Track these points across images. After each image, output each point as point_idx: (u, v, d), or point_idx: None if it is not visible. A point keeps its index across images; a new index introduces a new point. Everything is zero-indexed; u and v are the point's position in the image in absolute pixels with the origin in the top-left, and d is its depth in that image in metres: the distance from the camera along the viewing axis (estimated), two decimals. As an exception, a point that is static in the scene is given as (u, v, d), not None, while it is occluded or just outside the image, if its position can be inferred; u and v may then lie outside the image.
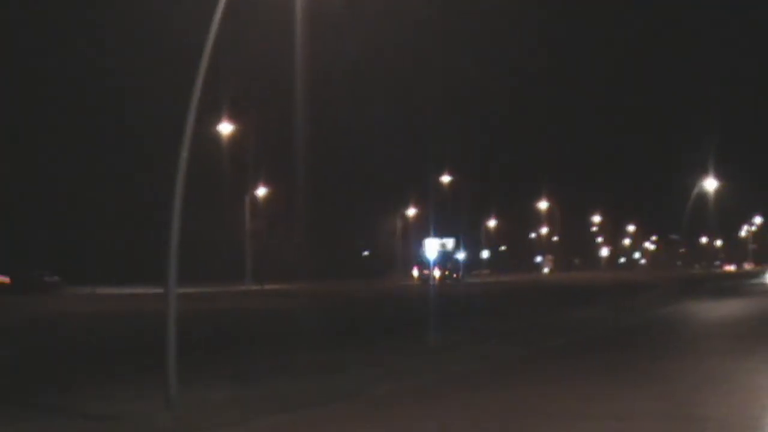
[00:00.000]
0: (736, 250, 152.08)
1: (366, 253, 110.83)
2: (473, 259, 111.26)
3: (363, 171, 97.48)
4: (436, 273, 79.17)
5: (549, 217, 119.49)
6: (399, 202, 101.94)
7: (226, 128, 59.79)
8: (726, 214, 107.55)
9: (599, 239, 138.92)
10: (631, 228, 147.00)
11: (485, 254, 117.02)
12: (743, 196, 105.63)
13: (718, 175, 58.91)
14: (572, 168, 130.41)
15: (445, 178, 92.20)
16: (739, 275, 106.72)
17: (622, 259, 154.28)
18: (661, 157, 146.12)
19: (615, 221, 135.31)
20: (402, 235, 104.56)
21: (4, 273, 53.94)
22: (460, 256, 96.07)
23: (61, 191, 69.76)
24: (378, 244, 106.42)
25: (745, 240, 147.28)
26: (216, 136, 59.39)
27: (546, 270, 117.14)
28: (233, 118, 60.46)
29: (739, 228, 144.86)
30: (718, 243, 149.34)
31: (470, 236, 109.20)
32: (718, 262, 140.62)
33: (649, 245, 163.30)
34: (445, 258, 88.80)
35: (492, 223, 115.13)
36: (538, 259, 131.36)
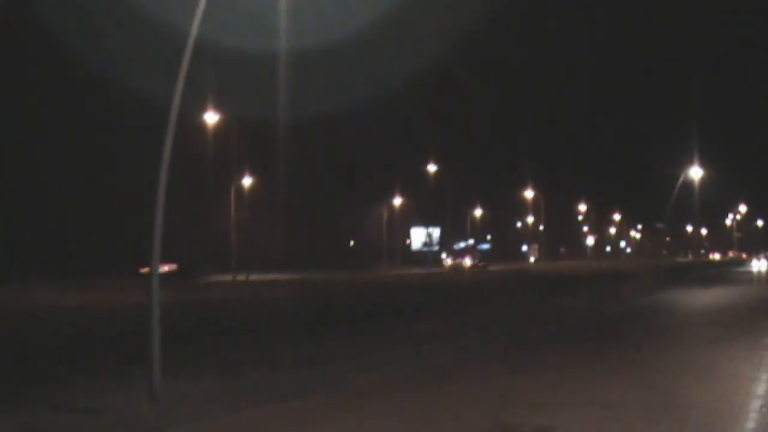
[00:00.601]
0: (721, 238, 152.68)
1: (351, 243, 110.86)
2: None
3: (349, 160, 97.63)
4: (467, 261, 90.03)
5: (535, 207, 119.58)
6: (385, 192, 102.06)
7: (211, 118, 59.48)
8: (711, 203, 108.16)
9: (585, 228, 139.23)
10: (616, 217, 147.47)
11: (466, 242, 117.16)
12: (728, 185, 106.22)
13: (703, 164, 59.23)
14: (558, 157, 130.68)
15: (431, 167, 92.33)
16: (725, 263, 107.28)
17: (608, 248, 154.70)
18: (647, 147, 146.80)
19: (601, 210, 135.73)
20: (388, 225, 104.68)
21: (172, 261, 60.64)
22: (485, 246, 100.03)
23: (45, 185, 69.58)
24: (364, 234, 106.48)
25: (729, 229, 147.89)
26: (201, 126, 59.13)
27: (532, 259, 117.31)
28: (218, 108, 60.18)
29: (724, 217, 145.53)
30: (704, 231, 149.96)
31: (456, 225, 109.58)
32: (703, 251, 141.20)
33: (634, 234, 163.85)
34: (474, 249, 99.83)
35: (478, 212, 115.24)
36: (524, 248, 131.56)
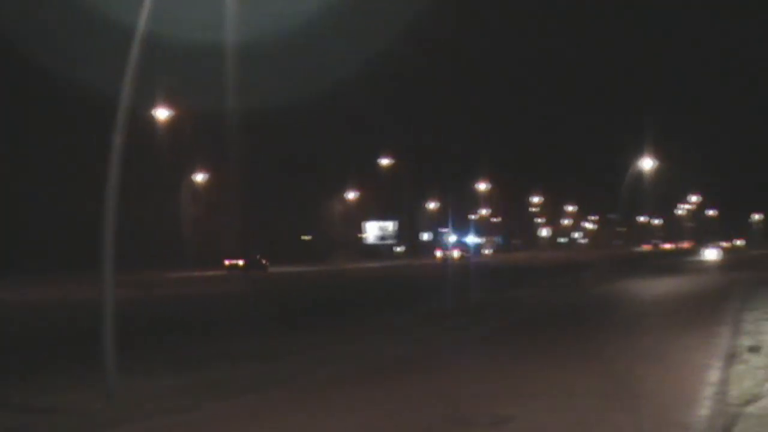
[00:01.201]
0: (673, 229, 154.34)
1: (306, 237, 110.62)
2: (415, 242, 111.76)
3: (302, 153, 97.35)
4: (455, 253, 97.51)
5: (489, 199, 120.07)
6: (339, 185, 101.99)
7: (162, 114, 58.86)
8: (664, 194, 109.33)
9: (539, 220, 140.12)
10: (570, 208, 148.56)
11: (426, 236, 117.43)
12: (680, 176, 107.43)
13: (656, 155, 59.78)
14: (512, 149, 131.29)
15: (385, 161, 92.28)
16: (677, 253, 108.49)
17: (563, 239, 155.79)
18: (600, 137, 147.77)
19: (555, 201, 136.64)
20: (343, 218, 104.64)
21: (239, 258, 72.79)
22: (470, 240, 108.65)
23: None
24: (319, 227, 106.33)
25: (681, 219, 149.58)
26: (152, 122, 58.55)
27: (486, 251, 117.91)
28: (170, 103, 59.58)
29: (676, 207, 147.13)
30: (656, 222, 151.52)
31: (411, 218, 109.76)
32: (655, 241, 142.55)
33: (588, 225, 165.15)
34: (461, 242, 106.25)
35: (432, 205, 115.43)
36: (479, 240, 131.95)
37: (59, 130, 69.26)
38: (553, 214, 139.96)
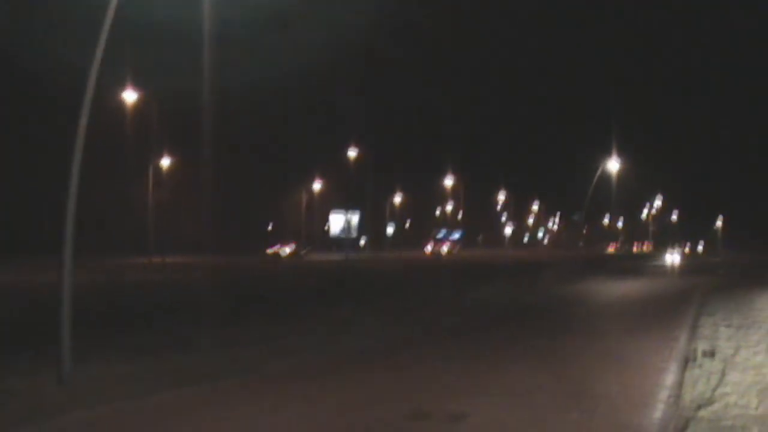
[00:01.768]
0: (636, 231, 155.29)
1: (270, 227, 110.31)
2: (379, 235, 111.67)
3: (271, 143, 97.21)
4: (445, 248, 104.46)
5: (454, 194, 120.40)
6: (305, 175, 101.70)
7: (130, 96, 58.27)
8: (628, 196, 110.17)
9: (504, 217, 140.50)
10: (535, 207, 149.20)
11: (390, 230, 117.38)
12: (645, 178, 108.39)
13: (621, 157, 60.15)
14: (479, 145, 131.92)
15: (352, 152, 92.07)
16: (639, 256, 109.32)
17: (526, 238, 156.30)
18: (567, 137, 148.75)
19: (520, 199, 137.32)
20: (307, 209, 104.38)
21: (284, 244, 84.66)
22: (457, 235, 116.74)
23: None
24: (284, 217, 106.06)
25: (645, 221, 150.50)
26: (119, 105, 58.01)
27: (445, 248, 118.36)
28: (138, 86, 59.01)
29: (640, 209, 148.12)
30: (620, 224, 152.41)
31: (376, 210, 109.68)
32: (615, 243, 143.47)
33: (552, 224, 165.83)
34: (449, 237, 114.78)
35: (397, 198, 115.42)
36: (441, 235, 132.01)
37: (27, 114, 68.82)
38: (517, 212, 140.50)
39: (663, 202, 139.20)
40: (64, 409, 11.21)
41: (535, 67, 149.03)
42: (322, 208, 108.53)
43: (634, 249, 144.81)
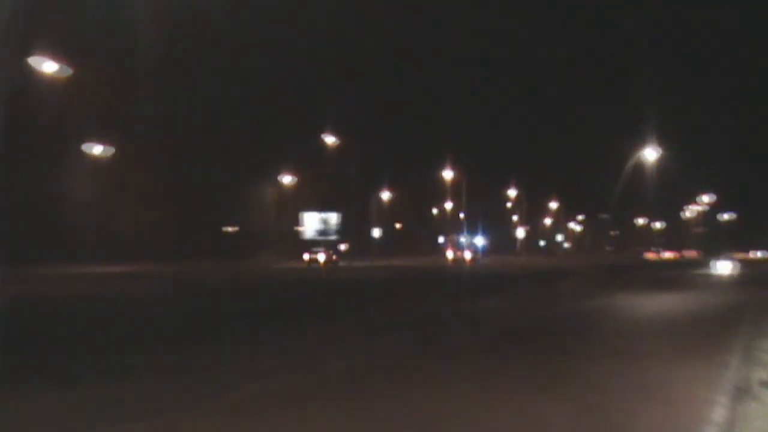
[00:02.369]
0: (677, 234, 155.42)
1: (230, 229, 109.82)
2: (362, 241, 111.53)
3: (231, 129, 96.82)
4: (468, 255, 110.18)
5: (455, 190, 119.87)
6: (273, 168, 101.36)
7: (50, 67, 57.36)
8: (669, 193, 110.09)
9: (515, 217, 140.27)
10: (553, 205, 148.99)
11: (376, 233, 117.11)
12: (690, 172, 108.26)
13: (661, 145, 59.72)
14: (484, 133, 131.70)
15: (330, 139, 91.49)
16: (681, 264, 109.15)
17: (542, 242, 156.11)
18: (593, 124, 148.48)
19: (534, 197, 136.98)
20: (277, 208, 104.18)
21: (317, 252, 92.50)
22: (479, 241, 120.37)
23: None
24: (247, 218, 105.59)
25: (688, 223, 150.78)
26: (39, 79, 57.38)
27: (450, 254, 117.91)
28: (67, 59, 58.38)
29: (682, 209, 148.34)
30: (657, 225, 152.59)
31: (358, 210, 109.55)
32: (654, 248, 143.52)
33: (574, 226, 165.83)
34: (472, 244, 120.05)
35: (385, 195, 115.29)
36: (441, 239, 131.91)
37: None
38: (531, 211, 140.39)
39: (713, 201, 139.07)
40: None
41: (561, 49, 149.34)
42: (293, 206, 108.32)
43: (672, 255, 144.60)
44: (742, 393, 15.10)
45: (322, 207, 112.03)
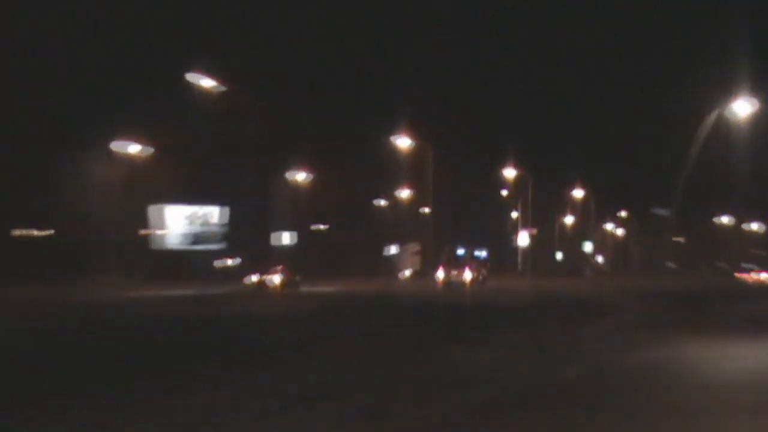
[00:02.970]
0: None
1: (34, 232, 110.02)
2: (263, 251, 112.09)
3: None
4: (468, 275, 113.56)
5: (418, 174, 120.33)
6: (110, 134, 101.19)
7: None
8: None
9: (514, 215, 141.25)
10: (576, 194, 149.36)
11: (286, 239, 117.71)
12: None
13: (756, 96, 58.82)
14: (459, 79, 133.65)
15: (206, 83, 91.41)
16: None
17: (560, 254, 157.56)
18: (636, 70, 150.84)
19: (544, 181, 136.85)
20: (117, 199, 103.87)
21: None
22: (483, 253, 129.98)
23: None
24: (65, 217, 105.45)
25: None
26: None
27: (407, 273, 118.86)
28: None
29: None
30: (754, 227, 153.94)
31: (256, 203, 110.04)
32: (746, 266, 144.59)
33: (611, 228, 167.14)
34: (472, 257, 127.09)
35: (301, 177, 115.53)
36: (393, 250, 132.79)
37: None
38: (540, 204, 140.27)
39: None
40: None
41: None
42: (145, 195, 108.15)
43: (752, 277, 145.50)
44: None
45: (195, 198, 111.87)
